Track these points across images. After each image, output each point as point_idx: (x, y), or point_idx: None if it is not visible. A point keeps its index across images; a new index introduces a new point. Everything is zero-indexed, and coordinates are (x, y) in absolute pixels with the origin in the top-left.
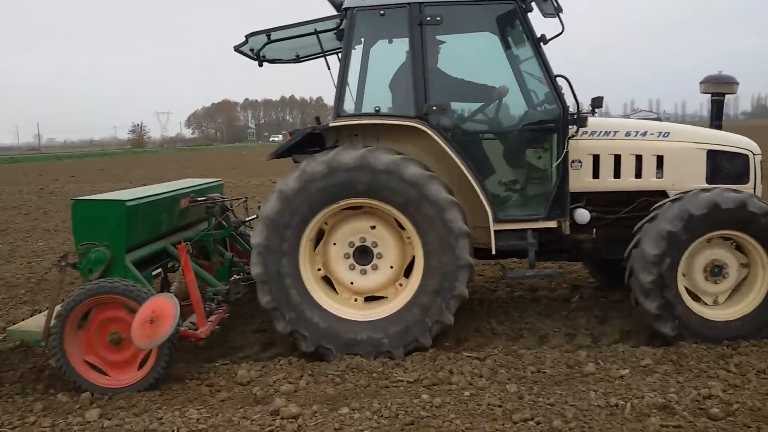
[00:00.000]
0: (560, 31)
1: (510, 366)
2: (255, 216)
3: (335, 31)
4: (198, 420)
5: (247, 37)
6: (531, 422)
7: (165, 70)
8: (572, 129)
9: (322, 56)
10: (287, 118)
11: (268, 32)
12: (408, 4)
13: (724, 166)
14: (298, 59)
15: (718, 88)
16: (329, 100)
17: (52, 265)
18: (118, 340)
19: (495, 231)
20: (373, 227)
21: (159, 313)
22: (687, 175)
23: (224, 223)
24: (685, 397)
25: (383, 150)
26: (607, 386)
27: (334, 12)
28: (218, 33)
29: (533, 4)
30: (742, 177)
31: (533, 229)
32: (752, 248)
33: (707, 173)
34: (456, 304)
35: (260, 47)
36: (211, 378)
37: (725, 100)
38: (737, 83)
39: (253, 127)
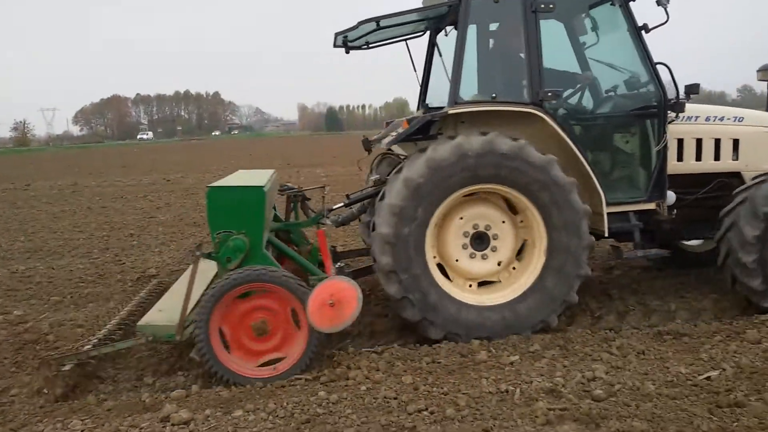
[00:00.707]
0: (665, 20)
1: (407, 358)
2: (341, 204)
3: (437, 19)
4: (83, 431)
5: (359, 23)
6: (425, 412)
7: (49, 64)
8: (671, 114)
9: (387, 44)
10: (182, 113)
11: (377, 20)
12: None
13: None
14: (367, 46)
15: None
16: (226, 95)
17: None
18: (264, 330)
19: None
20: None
21: (339, 297)
22: (760, 157)
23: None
24: (570, 380)
25: (505, 135)
26: (498, 373)
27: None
28: (105, 26)
29: None
30: None
31: (634, 211)
32: None
33: None
34: (579, 283)
35: (364, 34)
36: (97, 387)
37: None
38: None
39: (146, 123)
